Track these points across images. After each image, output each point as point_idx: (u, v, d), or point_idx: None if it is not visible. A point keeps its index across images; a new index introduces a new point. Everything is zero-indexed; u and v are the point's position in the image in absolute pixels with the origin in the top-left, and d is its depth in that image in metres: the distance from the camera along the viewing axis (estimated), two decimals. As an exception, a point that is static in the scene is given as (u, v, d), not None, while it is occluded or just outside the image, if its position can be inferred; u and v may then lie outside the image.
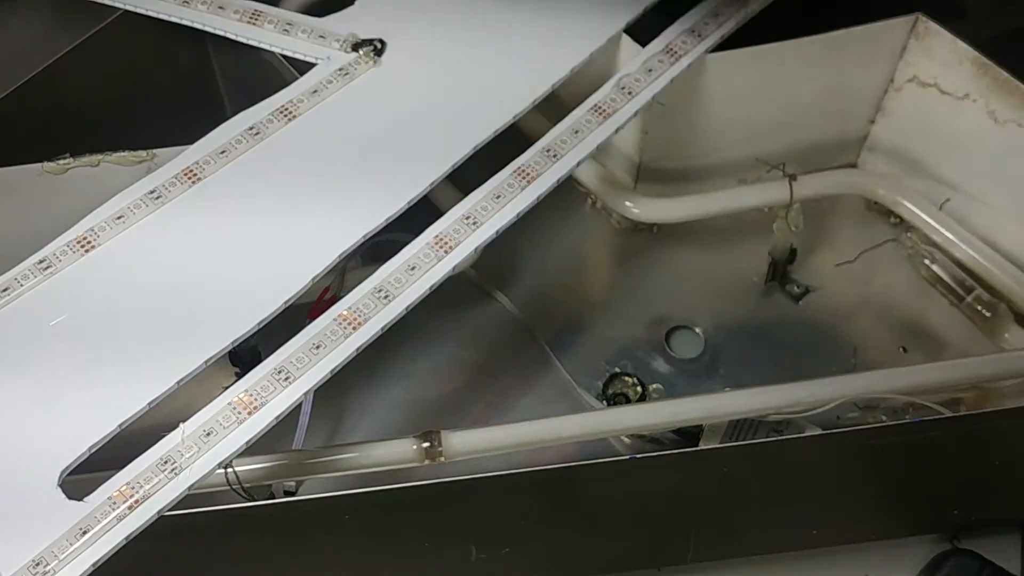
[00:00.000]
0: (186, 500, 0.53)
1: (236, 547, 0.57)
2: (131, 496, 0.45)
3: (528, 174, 0.58)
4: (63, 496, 0.45)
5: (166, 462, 0.47)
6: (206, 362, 0.50)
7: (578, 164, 0.62)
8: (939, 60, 0.73)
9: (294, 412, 0.63)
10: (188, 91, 0.79)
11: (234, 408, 0.48)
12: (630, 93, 0.65)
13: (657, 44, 0.69)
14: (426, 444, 0.58)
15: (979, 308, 0.74)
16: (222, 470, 0.55)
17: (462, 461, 0.60)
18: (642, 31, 0.70)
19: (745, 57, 0.72)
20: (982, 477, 0.64)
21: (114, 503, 0.45)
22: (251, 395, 0.49)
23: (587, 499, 0.59)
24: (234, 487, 0.56)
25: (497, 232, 0.56)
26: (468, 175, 0.62)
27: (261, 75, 0.71)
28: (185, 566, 0.57)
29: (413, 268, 0.54)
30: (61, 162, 0.65)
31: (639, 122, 0.73)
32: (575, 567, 0.66)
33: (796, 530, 0.65)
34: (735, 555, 0.67)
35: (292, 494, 0.62)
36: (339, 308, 0.52)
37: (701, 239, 0.80)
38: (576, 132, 0.62)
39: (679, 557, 0.66)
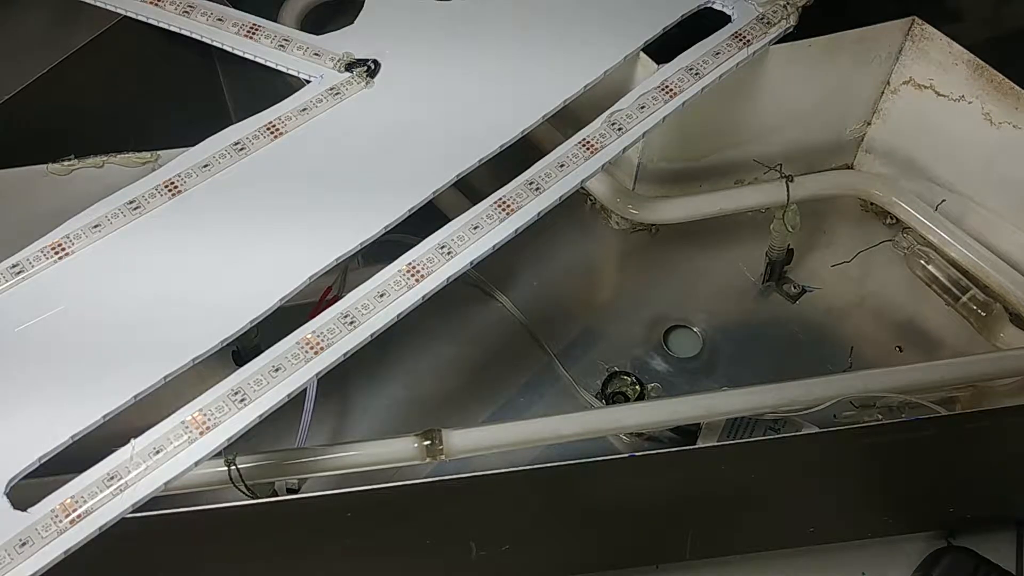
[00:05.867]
0: (189, 498, 0.54)
1: (239, 544, 0.57)
2: (74, 510, 0.44)
3: (508, 206, 0.57)
4: (8, 504, 0.44)
5: (112, 478, 0.45)
6: (164, 378, 0.49)
7: (560, 199, 0.60)
8: (935, 62, 0.73)
9: (297, 409, 0.63)
10: (192, 93, 0.79)
11: (186, 427, 0.47)
12: (620, 129, 0.63)
13: (653, 80, 0.66)
14: (427, 442, 0.59)
15: (974, 308, 0.74)
16: (225, 467, 0.56)
17: (463, 459, 0.60)
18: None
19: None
20: (977, 475, 0.65)
21: (56, 516, 0.44)
22: (205, 415, 0.47)
23: (586, 497, 0.60)
24: (238, 484, 0.56)
25: (471, 263, 0.55)
26: (473, 181, 0.62)
27: (265, 77, 0.71)
28: (189, 563, 0.58)
29: (383, 295, 0.53)
30: (66, 163, 0.66)
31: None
32: (575, 564, 0.66)
33: (793, 527, 0.66)
34: (732, 552, 0.67)
35: (295, 492, 0.62)
36: (303, 332, 0.51)
37: (699, 239, 0.81)
38: (561, 166, 0.61)
39: (677, 554, 0.66)
